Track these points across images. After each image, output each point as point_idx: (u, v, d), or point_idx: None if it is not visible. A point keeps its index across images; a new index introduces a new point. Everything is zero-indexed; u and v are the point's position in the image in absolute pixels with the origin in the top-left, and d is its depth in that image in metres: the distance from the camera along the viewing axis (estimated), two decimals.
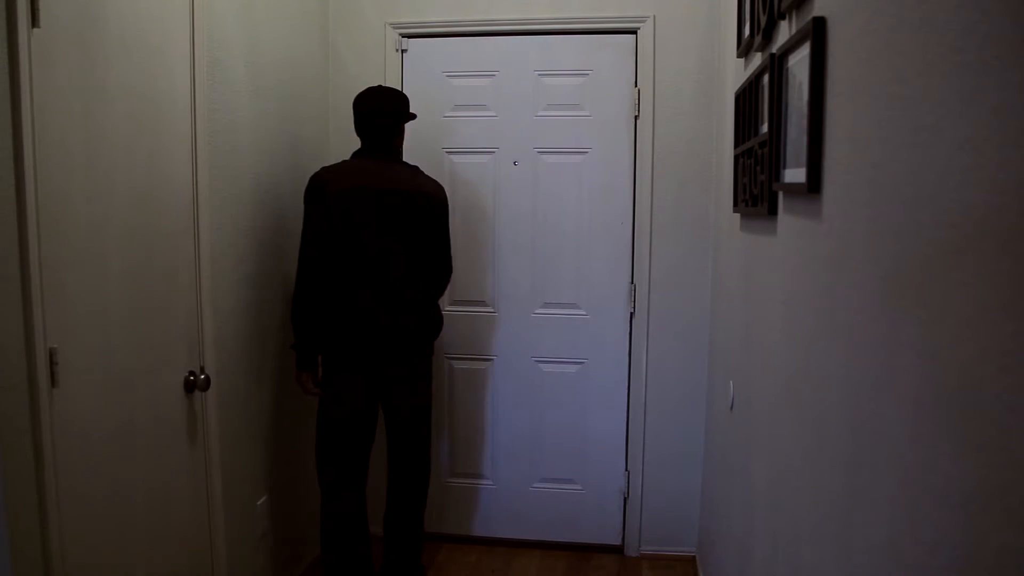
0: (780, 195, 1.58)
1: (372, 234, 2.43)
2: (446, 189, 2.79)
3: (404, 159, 2.65)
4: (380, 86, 2.61)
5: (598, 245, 3.09)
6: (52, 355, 1.53)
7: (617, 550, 3.19)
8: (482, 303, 3.15)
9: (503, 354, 3.17)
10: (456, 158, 3.10)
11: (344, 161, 2.55)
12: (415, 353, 2.56)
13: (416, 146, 3.01)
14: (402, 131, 2.60)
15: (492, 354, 3.17)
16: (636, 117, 3.02)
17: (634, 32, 2.99)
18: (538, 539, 3.22)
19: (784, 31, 1.56)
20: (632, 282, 3.08)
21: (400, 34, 3.06)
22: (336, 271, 2.43)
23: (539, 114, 3.07)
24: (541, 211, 3.10)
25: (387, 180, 2.47)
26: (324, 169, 2.50)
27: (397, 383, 2.54)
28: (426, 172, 2.67)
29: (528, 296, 3.14)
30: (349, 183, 2.42)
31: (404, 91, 2.85)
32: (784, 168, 1.47)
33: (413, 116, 2.65)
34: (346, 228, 2.42)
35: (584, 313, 3.13)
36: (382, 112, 2.52)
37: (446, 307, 3.10)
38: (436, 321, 2.63)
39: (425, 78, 3.07)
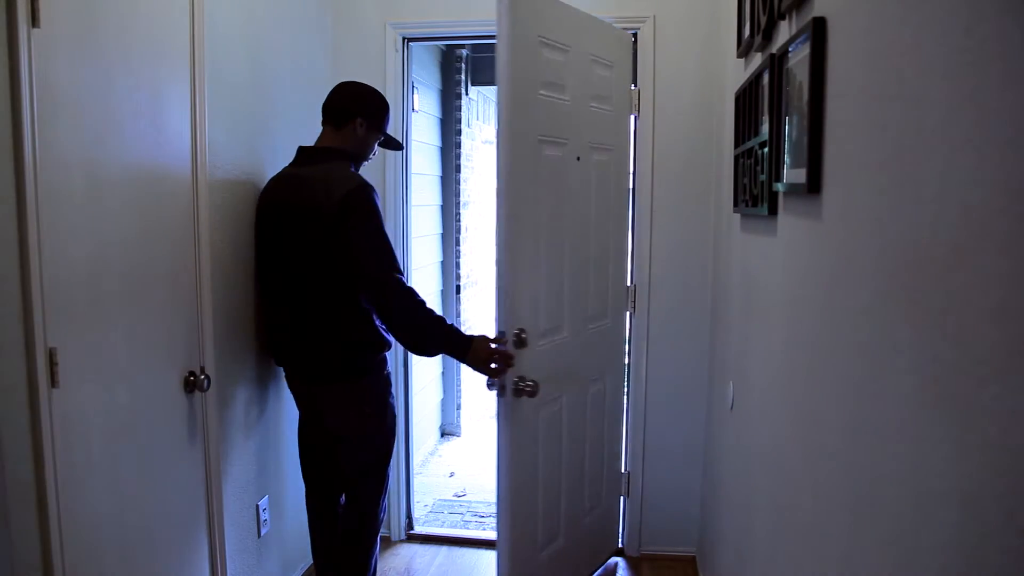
0: (780, 195, 1.58)
1: (274, 248, 2.35)
2: (540, 189, 2.41)
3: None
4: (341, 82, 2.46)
5: (610, 247, 2.94)
6: (52, 355, 1.53)
7: (617, 551, 3.19)
8: (559, 329, 2.60)
9: (569, 387, 2.69)
10: (547, 151, 2.47)
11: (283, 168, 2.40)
12: (327, 374, 2.32)
13: (512, 133, 2.28)
14: (340, 129, 2.34)
15: (560, 391, 2.64)
16: (636, 117, 3.02)
17: (634, 32, 2.99)
18: None
19: (784, 31, 1.56)
20: (632, 282, 3.08)
21: None
22: (262, 285, 2.44)
23: (591, 105, 2.68)
24: (591, 215, 2.74)
25: (285, 191, 2.30)
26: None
27: (321, 401, 2.40)
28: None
29: (583, 312, 2.74)
30: (267, 198, 2.38)
31: (502, 53, 2.22)
32: (784, 168, 1.47)
33: (354, 113, 2.33)
34: (261, 243, 2.40)
35: (608, 322, 2.93)
36: (323, 111, 2.40)
37: (538, 344, 2.46)
38: (358, 344, 2.29)
39: (526, 40, 2.32)
